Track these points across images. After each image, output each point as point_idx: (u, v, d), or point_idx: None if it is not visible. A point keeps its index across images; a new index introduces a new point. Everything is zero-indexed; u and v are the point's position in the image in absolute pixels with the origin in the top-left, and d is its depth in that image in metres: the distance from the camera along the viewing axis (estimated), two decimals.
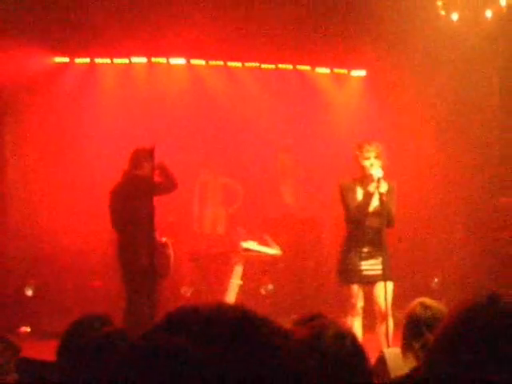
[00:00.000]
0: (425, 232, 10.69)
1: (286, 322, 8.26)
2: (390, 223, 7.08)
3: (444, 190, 10.68)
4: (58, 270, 10.01)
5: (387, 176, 6.98)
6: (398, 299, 9.96)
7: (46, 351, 8.00)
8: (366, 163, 6.93)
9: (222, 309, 1.26)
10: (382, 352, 6.53)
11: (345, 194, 7.09)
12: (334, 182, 10.43)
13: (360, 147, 7.01)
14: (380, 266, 6.96)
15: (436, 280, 10.53)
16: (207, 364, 1.15)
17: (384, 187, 6.93)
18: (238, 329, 1.22)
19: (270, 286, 9.94)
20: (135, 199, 7.58)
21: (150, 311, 6.84)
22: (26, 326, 9.59)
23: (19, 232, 10.20)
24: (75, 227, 10.18)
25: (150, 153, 7.15)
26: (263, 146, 10.70)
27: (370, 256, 7.02)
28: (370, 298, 7.11)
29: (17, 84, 10.13)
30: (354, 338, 2.55)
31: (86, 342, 3.25)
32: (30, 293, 9.93)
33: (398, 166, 9.74)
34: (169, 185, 7.66)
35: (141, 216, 7.39)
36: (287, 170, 10.78)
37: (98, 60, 10.94)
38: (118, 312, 8.16)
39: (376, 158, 6.94)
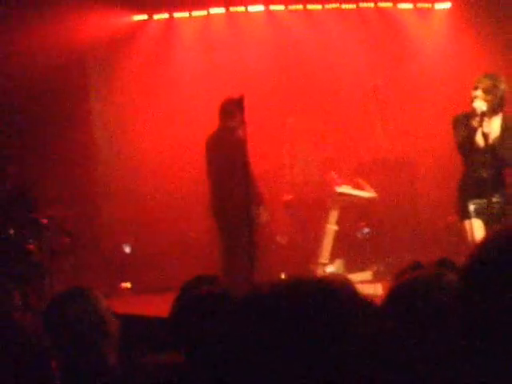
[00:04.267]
0: None
1: (382, 265, 8.18)
2: (502, 164, 6.79)
3: None
4: (153, 226, 10.11)
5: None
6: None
7: (147, 306, 8.17)
8: (472, 93, 6.64)
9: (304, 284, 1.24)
10: None
11: (454, 128, 6.85)
12: (424, 120, 10.33)
13: (475, 79, 6.74)
14: (493, 206, 6.72)
15: None
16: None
17: (491, 124, 6.67)
18: (318, 307, 1.19)
19: (366, 230, 9.83)
20: (229, 150, 7.58)
21: (249, 261, 6.83)
22: (127, 282, 9.74)
23: (107, 189, 10.34)
24: (165, 181, 10.26)
25: (240, 102, 7.08)
26: (350, 88, 10.49)
27: (479, 195, 6.79)
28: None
29: (98, 43, 10.20)
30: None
31: (194, 301, 3.19)
32: (128, 250, 10.08)
33: None
34: None
35: (236, 166, 7.38)
36: (376, 110, 10.55)
37: (177, 14, 10.90)
38: (214, 263, 8.24)
39: (484, 91, 6.59)
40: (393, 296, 2.22)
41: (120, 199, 10.22)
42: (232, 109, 7.53)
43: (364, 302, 1.22)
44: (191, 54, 10.79)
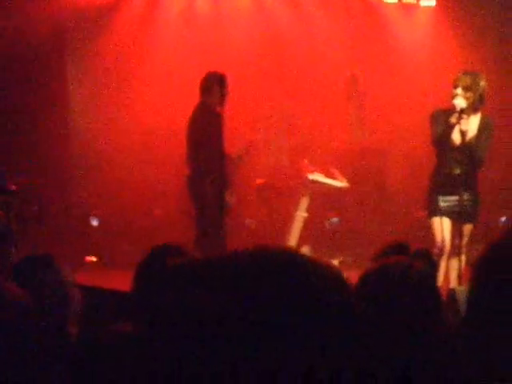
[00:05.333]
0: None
1: (350, 255, 8.22)
2: (476, 163, 6.85)
3: None
4: (120, 200, 10.07)
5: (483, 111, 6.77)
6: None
7: (111, 280, 8.14)
8: (453, 91, 6.70)
9: (268, 253, 1.18)
10: (452, 289, 6.47)
11: (431, 123, 6.88)
12: (401, 113, 10.37)
13: (455, 77, 6.78)
14: (464, 203, 6.76)
15: (503, 218, 10.28)
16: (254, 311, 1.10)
17: (469, 122, 6.72)
18: (285, 276, 1.13)
19: (335, 219, 9.86)
20: (206, 125, 7.53)
21: (221, 242, 6.83)
22: (92, 255, 9.70)
23: (81, 163, 10.27)
24: (135, 158, 10.21)
25: (222, 79, 7.07)
26: (329, 76, 10.50)
27: (451, 192, 6.83)
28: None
29: (78, 16, 10.10)
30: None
31: (162, 271, 3.20)
32: (95, 223, 10.02)
33: None
34: None
35: (212, 142, 7.35)
36: (354, 100, 10.57)
37: None
38: (183, 239, 8.22)
39: (464, 88, 6.64)
40: (365, 279, 2.24)
41: (93, 173, 10.16)
42: (210, 85, 7.49)
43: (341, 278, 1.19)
44: (174, 33, 10.71)
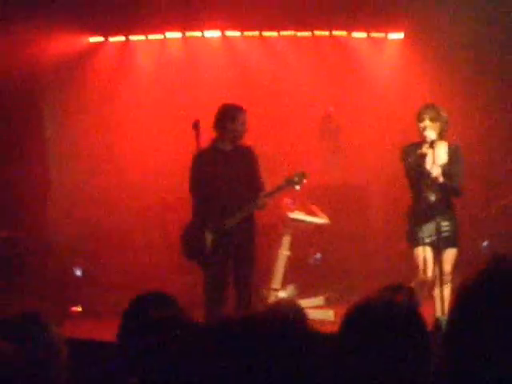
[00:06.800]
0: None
1: (334, 291, 8.23)
2: (454, 191, 7.06)
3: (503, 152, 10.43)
4: (104, 249, 10.05)
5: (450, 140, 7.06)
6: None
7: (99, 330, 8.09)
8: (420, 124, 6.94)
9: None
10: (437, 319, 6.50)
11: (402, 157, 7.11)
12: (376, 148, 10.45)
13: (419, 108, 7.04)
14: (445, 230, 6.94)
15: (485, 243, 10.33)
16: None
17: (438, 150, 6.94)
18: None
19: (318, 255, 9.89)
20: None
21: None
22: (78, 306, 9.64)
23: (61, 215, 10.25)
24: (118, 205, 10.22)
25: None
26: (303, 115, 10.59)
27: (429, 220, 6.94)
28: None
29: (54, 64, 10.16)
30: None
31: (148, 322, 3.20)
32: (79, 273, 9.98)
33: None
34: None
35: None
36: (329, 137, 10.66)
37: (133, 38, 10.91)
38: (169, 288, 8.18)
39: (431, 120, 6.90)
40: (349, 318, 2.27)
41: (74, 224, 10.14)
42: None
43: (312, 331, 1.25)
44: (147, 78, 10.80)
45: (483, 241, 10.33)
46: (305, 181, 7.58)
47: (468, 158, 7.39)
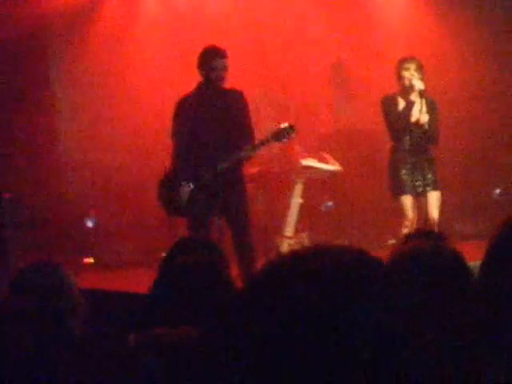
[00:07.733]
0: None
1: (346, 239, 8.21)
2: (433, 140, 7.26)
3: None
4: (114, 203, 10.03)
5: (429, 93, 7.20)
6: (458, 211, 9.87)
7: (110, 281, 8.10)
8: (406, 74, 7.07)
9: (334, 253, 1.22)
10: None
11: (387, 107, 7.23)
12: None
13: (401, 60, 7.20)
14: (428, 176, 7.20)
15: (497, 190, 10.26)
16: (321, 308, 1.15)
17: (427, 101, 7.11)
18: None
19: (330, 203, 9.84)
20: None
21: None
22: (89, 257, 9.66)
23: (71, 166, 10.22)
24: (124, 161, 10.15)
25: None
26: (314, 62, 10.45)
27: (416, 167, 7.18)
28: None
29: (61, 11, 10.03)
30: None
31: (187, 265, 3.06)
32: (90, 224, 9.97)
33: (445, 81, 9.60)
34: None
35: None
36: (340, 85, 10.54)
37: None
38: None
39: (416, 70, 7.06)
40: (394, 261, 2.27)
41: (84, 174, 10.11)
42: None
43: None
44: (155, 23, 10.64)
45: (495, 188, 10.28)
46: (293, 135, 6.92)
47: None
